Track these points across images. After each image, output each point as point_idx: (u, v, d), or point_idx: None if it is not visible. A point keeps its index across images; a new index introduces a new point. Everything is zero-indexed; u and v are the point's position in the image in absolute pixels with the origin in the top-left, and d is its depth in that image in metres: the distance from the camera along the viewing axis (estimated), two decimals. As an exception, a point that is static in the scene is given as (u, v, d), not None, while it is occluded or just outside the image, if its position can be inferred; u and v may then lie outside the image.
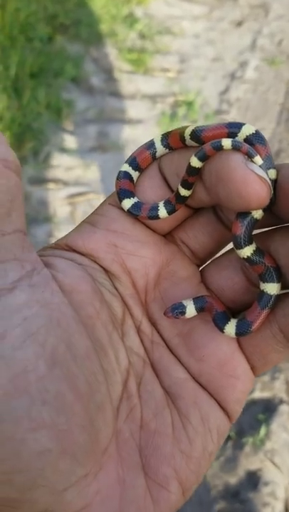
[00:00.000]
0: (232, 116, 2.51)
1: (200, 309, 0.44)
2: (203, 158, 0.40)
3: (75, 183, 2.24)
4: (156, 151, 0.45)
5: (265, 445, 1.60)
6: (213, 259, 0.48)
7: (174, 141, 0.44)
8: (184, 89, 2.59)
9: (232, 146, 0.39)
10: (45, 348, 0.37)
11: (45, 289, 0.39)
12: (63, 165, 2.27)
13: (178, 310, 0.44)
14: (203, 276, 0.48)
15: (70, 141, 2.34)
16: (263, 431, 1.62)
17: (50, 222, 2.09)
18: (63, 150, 2.31)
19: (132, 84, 2.59)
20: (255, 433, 1.62)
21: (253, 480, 1.54)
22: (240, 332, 0.43)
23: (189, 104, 2.52)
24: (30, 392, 0.35)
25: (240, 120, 2.46)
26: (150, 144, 0.46)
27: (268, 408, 1.68)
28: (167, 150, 0.45)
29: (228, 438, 1.61)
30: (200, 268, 0.49)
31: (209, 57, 2.76)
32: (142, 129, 2.40)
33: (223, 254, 0.47)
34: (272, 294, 0.41)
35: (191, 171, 0.40)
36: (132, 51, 2.70)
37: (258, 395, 1.70)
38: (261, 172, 0.37)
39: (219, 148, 0.39)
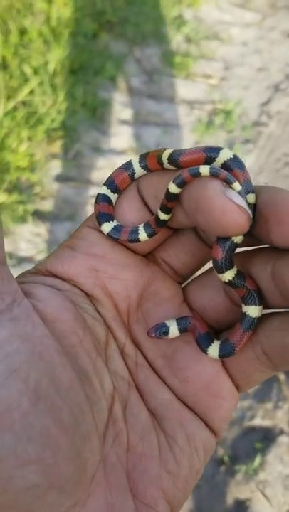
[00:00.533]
0: (271, 130, 2.43)
1: (183, 330, 0.45)
2: (181, 184, 0.39)
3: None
4: (134, 173, 0.45)
5: (258, 475, 1.55)
6: (195, 277, 0.48)
7: (151, 163, 0.44)
8: (224, 97, 2.53)
9: (210, 172, 0.38)
10: (28, 384, 0.36)
11: (26, 322, 0.39)
12: (92, 164, 2.25)
13: (161, 330, 0.44)
14: (185, 294, 0.48)
15: (101, 140, 2.32)
16: (257, 460, 1.56)
17: (71, 221, 2.08)
18: (94, 149, 2.29)
19: (172, 88, 2.54)
20: (249, 461, 1.57)
21: (241, 510, 1.49)
22: (224, 354, 0.43)
23: (227, 113, 2.46)
24: (15, 430, 0.35)
25: (279, 134, 2.40)
26: (128, 166, 0.45)
27: (266, 437, 1.62)
28: (145, 171, 0.44)
29: (221, 463, 1.56)
30: (182, 285, 0.49)
31: (255, 66, 2.69)
32: (176, 134, 2.36)
33: (205, 273, 0.47)
34: (254, 316, 0.42)
35: (170, 196, 0.40)
36: (176, 54, 2.65)
37: (258, 422, 1.64)
38: (240, 200, 0.37)
39: (197, 174, 0.39)
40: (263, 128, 2.43)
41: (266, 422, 1.64)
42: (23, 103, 2.29)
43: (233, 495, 1.52)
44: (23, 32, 2.46)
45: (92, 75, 2.48)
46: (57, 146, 2.26)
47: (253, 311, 0.42)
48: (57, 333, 0.41)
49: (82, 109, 2.37)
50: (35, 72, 2.33)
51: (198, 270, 0.48)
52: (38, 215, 2.07)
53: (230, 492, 1.52)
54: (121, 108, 2.44)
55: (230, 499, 1.51)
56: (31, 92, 2.30)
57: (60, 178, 2.19)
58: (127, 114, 2.42)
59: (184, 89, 2.55)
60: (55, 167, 2.21)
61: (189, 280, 0.49)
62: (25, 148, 2.17)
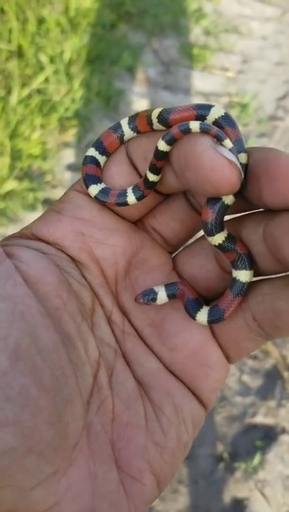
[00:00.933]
0: (287, 124, 2.39)
1: (171, 296, 0.44)
2: (170, 141, 0.38)
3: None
4: (123, 135, 0.43)
5: (257, 474, 1.52)
6: (185, 245, 0.47)
7: (141, 124, 0.42)
8: (240, 90, 2.49)
9: (200, 128, 0.37)
10: (7, 343, 0.35)
11: (8, 281, 0.38)
12: (104, 154, 2.23)
13: (149, 296, 0.43)
14: (175, 263, 0.47)
15: (114, 131, 2.30)
16: (257, 458, 1.53)
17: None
18: (107, 139, 2.27)
19: (188, 80, 2.51)
20: (249, 459, 1.54)
21: (238, 509, 1.46)
22: (213, 320, 0.42)
23: (243, 107, 2.42)
24: None
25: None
26: (117, 127, 0.44)
27: (268, 435, 1.58)
28: (135, 134, 0.43)
29: (220, 459, 1.54)
30: (173, 255, 0.47)
31: (273, 60, 2.65)
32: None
33: (196, 241, 0.45)
34: (244, 281, 0.41)
35: (159, 155, 0.39)
36: (194, 46, 2.62)
37: (260, 419, 1.61)
38: (231, 156, 0.35)
39: (187, 131, 0.37)
40: (278, 122, 2.39)
41: (268, 420, 1.61)
42: (38, 91, 2.28)
43: (231, 493, 1.49)
44: (41, 21, 2.45)
45: (109, 64, 2.47)
46: (70, 135, 2.24)
47: (243, 275, 0.41)
48: (40, 295, 0.39)
49: (97, 98, 2.36)
50: (51, 60, 2.32)
51: (188, 240, 0.47)
52: (48, 204, 2.06)
53: (228, 490, 1.49)
54: (136, 98, 2.42)
55: (228, 497, 1.48)
56: (46, 81, 2.29)
57: (71, 167, 2.18)
58: (141, 104, 2.40)
59: (200, 81, 2.52)
60: (68, 156, 2.19)
61: (180, 250, 0.48)
62: (37, 136, 2.16)
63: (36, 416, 0.35)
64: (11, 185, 2.03)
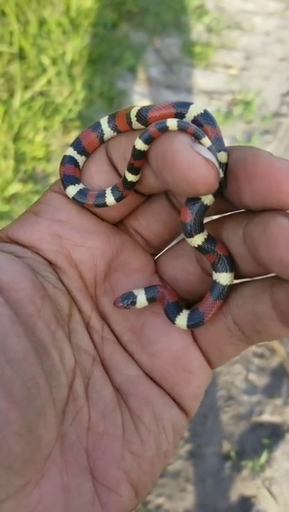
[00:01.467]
0: (291, 121, 2.38)
1: (151, 299, 0.43)
2: (148, 140, 0.37)
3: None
4: (103, 134, 0.42)
5: (264, 472, 1.52)
6: (168, 247, 0.46)
7: (120, 123, 0.41)
8: (244, 87, 2.48)
9: (178, 126, 0.36)
10: None
11: None
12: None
13: (128, 300, 0.42)
14: (157, 265, 0.46)
15: (118, 131, 2.30)
16: (264, 456, 1.53)
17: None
18: (110, 140, 2.28)
19: (191, 78, 2.51)
20: (256, 457, 1.54)
21: (246, 507, 1.47)
22: (192, 324, 0.41)
23: (247, 104, 2.41)
24: None
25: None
26: (96, 126, 0.42)
27: (274, 433, 1.59)
28: (115, 133, 0.42)
29: (228, 458, 1.54)
30: (155, 257, 0.46)
31: (277, 56, 2.63)
32: (193, 125, 2.33)
33: (178, 243, 0.45)
34: (225, 284, 0.40)
35: (137, 154, 0.38)
36: (196, 44, 2.61)
37: (266, 417, 1.61)
38: (208, 154, 0.34)
39: (164, 129, 0.37)
40: (282, 119, 2.38)
41: (275, 418, 1.61)
42: (41, 93, 2.28)
43: (239, 491, 1.49)
44: (42, 22, 2.46)
45: (111, 65, 2.47)
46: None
47: (223, 278, 0.40)
48: (12, 302, 0.38)
49: (100, 99, 2.36)
50: (53, 62, 2.33)
51: (171, 241, 0.46)
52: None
53: (235, 488, 1.49)
54: (138, 98, 2.42)
55: (235, 495, 1.49)
56: (48, 82, 2.29)
57: (75, 169, 2.19)
58: (144, 104, 2.40)
59: (203, 79, 2.51)
60: (71, 157, 2.20)
61: (163, 252, 0.47)
62: (41, 139, 2.17)
63: (5, 428, 0.34)
64: (16, 188, 2.04)
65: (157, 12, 2.68)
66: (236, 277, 0.40)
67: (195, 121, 0.38)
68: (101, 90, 2.37)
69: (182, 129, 0.36)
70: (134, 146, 0.38)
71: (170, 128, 0.36)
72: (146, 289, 0.43)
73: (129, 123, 0.40)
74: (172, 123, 0.36)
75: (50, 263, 0.42)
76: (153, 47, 2.60)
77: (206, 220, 0.40)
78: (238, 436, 1.58)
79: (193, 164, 0.34)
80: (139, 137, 0.37)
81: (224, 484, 1.51)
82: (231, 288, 0.40)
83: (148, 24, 2.65)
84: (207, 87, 2.49)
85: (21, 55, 2.32)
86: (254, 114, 2.39)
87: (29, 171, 2.11)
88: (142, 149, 0.38)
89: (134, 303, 0.42)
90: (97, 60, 2.45)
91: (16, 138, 2.14)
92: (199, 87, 2.49)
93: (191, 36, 2.67)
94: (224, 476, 1.52)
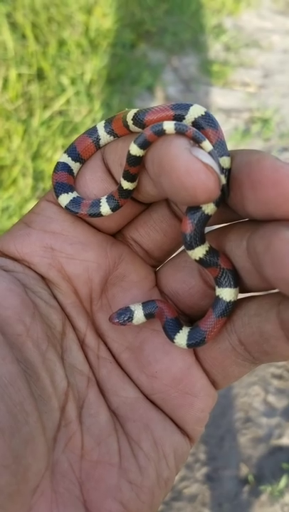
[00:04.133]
0: (310, 138, 2.36)
1: (149, 315, 0.40)
2: (143, 144, 0.34)
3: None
4: (99, 139, 0.40)
5: (284, 497, 1.47)
6: (170, 258, 0.43)
7: (117, 127, 0.39)
8: (262, 105, 2.47)
9: (175, 129, 0.33)
10: None
11: None
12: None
13: (125, 316, 0.39)
14: (158, 278, 0.43)
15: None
16: (284, 481, 1.49)
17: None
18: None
19: (209, 97, 2.51)
20: (275, 482, 1.50)
21: (264, 533, 1.42)
22: (193, 343, 0.38)
23: (265, 122, 2.40)
24: None
25: None
26: (92, 131, 0.40)
27: (294, 457, 1.54)
28: (112, 138, 0.39)
29: (245, 482, 1.50)
30: (157, 269, 0.44)
31: (295, 73, 2.63)
32: (211, 143, 2.33)
33: (179, 254, 0.42)
34: (228, 300, 0.36)
35: (132, 160, 0.35)
36: (214, 63, 2.62)
37: (286, 441, 1.57)
38: (208, 159, 0.31)
39: (161, 132, 0.34)
40: (301, 136, 2.37)
41: (295, 442, 1.57)
42: (60, 112, 2.31)
43: (257, 516, 1.45)
44: (61, 43, 2.50)
45: (129, 84, 2.49)
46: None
47: (227, 294, 0.36)
48: None
49: (118, 118, 2.37)
50: (72, 82, 2.36)
51: (173, 252, 0.43)
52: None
53: (253, 513, 1.45)
54: (156, 117, 2.43)
55: (253, 521, 1.45)
56: (67, 102, 2.32)
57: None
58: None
59: (221, 97, 2.51)
60: (89, 176, 2.21)
61: (164, 263, 0.44)
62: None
63: None
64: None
65: (175, 32, 2.70)
66: (241, 291, 0.37)
67: (195, 123, 0.36)
68: (119, 109, 2.39)
69: (180, 132, 0.33)
70: (128, 151, 0.35)
71: (167, 131, 0.34)
72: (144, 305, 0.40)
73: (126, 126, 0.38)
74: (169, 126, 0.33)
75: (43, 277, 0.40)
76: (171, 66, 2.62)
77: (207, 229, 0.37)
78: (257, 459, 1.54)
79: (191, 170, 0.30)
80: (134, 142, 0.35)
81: (242, 509, 1.47)
82: (236, 304, 0.37)
83: (166, 44, 2.67)
84: (225, 105, 2.49)
85: (41, 76, 2.35)
86: (272, 132, 2.38)
87: (47, 188, 2.12)
88: (138, 155, 0.35)
89: (130, 319, 0.39)
90: (116, 80, 2.47)
91: (35, 156, 2.16)
92: (217, 105, 2.49)
93: (209, 55, 2.68)
94: (242, 501, 1.48)
